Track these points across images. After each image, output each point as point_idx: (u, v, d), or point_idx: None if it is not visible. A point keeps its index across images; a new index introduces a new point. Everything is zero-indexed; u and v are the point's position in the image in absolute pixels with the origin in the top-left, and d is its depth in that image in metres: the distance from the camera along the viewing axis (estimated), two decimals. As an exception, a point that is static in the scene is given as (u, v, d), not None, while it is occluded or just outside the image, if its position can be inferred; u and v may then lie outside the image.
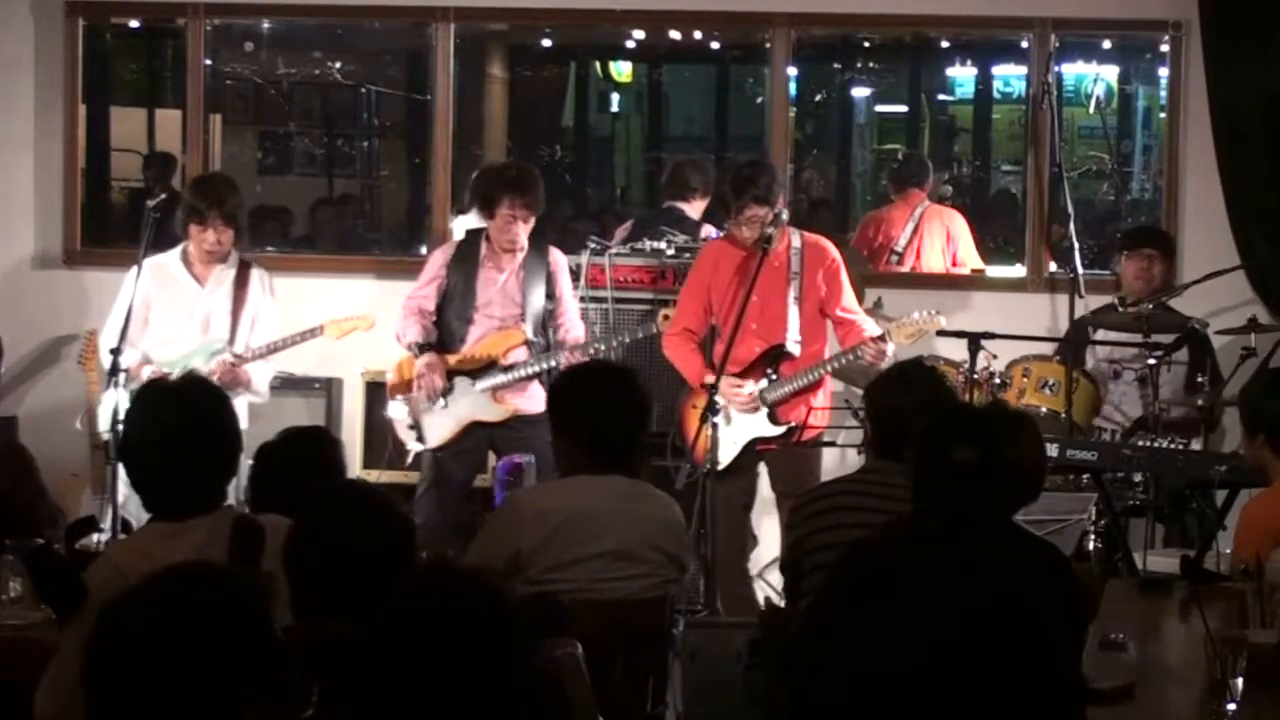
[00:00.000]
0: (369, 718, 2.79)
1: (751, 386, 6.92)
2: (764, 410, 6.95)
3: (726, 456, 6.88)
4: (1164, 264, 7.65)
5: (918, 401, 4.92)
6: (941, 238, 8.89)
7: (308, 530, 3.71)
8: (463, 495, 7.35)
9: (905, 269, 8.78)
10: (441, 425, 7.23)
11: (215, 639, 2.64)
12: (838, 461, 7.26)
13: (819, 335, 7.04)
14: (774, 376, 6.96)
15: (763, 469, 7.11)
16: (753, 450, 6.99)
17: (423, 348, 7.22)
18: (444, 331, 7.30)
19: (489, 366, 7.21)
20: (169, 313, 7.32)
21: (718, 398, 6.62)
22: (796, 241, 7.02)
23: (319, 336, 7.33)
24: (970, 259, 8.89)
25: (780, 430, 6.94)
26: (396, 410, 7.28)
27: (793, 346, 6.95)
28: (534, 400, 7.22)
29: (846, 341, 6.99)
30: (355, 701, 2.79)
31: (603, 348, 7.21)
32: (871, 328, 6.98)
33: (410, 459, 7.35)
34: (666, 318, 7.22)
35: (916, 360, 5.73)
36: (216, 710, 2.62)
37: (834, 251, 7.12)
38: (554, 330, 7.32)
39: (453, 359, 7.23)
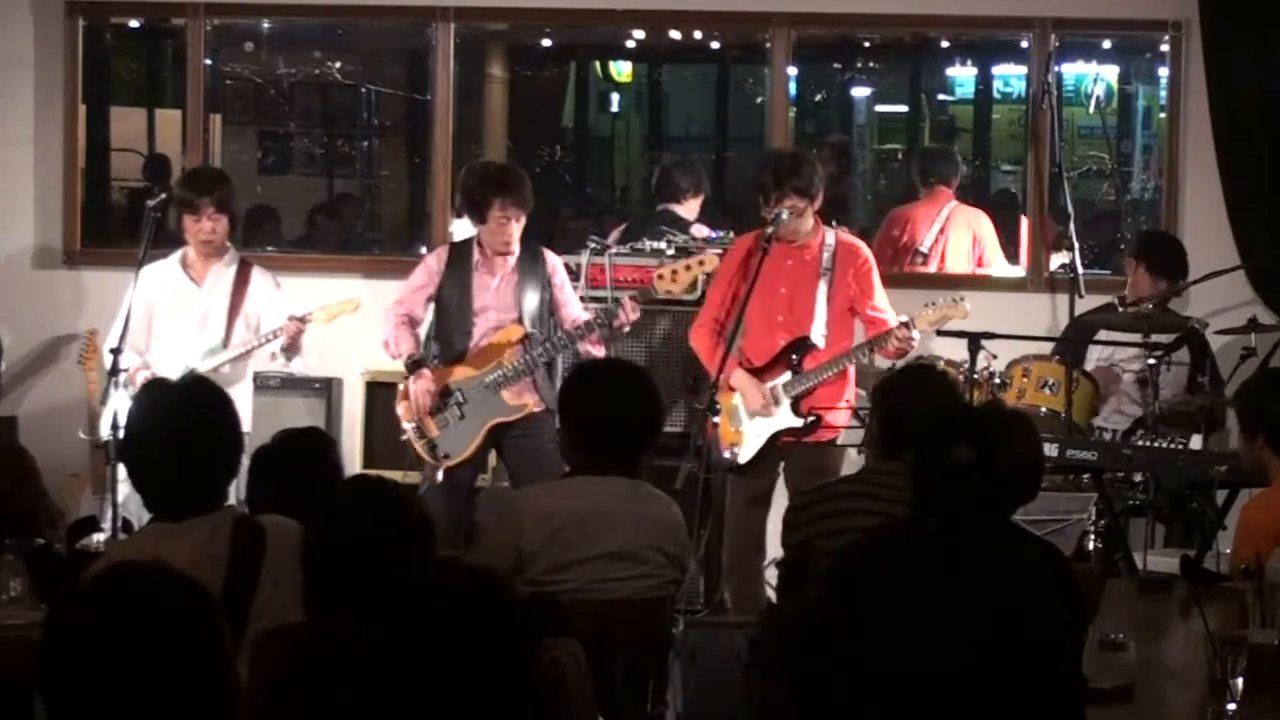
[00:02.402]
0: (374, 715, 2.79)
1: (765, 388, 6.91)
2: (786, 402, 6.95)
3: (750, 450, 6.91)
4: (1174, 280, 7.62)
5: (929, 403, 4.92)
6: (968, 239, 8.83)
7: (328, 524, 3.72)
8: (466, 495, 7.35)
9: (930, 269, 8.74)
10: (463, 437, 7.20)
11: (160, 641, 2.63)
12: (842, 463, 7.24)
13: (847, 334, 7.04)
14: (797, 369, 6.96)
15: (782, 467, 7.10)
16: (775, 446, 6.97)
17: (417, 363, 7.20)
18: (444, 345, 7.30)
19: (495, 368, 7.20)
20: (170, 318, 7.34)
21: (735, 399, 6.64)
22: (830, 239, 7.03)
23: (309, 323, 7.31)
24: (996, 262, 8.82)
25: (803, 421, 6.94)
26: (412, 430, 7.24)
27: (818, 339, 6.95)
28: (541, 395, 7.24)
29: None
30: (361, 698, 2.80)
31: (605, 318, 7.18)
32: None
33: (440, 473, 7.31)
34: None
35: (929, 363, 5.73)
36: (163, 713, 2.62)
37: (867, 251, 7.16)
38: (559, 324, 7.31)
39: (459, 370, 7.21)
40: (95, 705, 2.61)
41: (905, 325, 6.87)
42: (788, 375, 6.96)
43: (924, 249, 8.76)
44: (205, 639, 2.66)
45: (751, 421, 6.90)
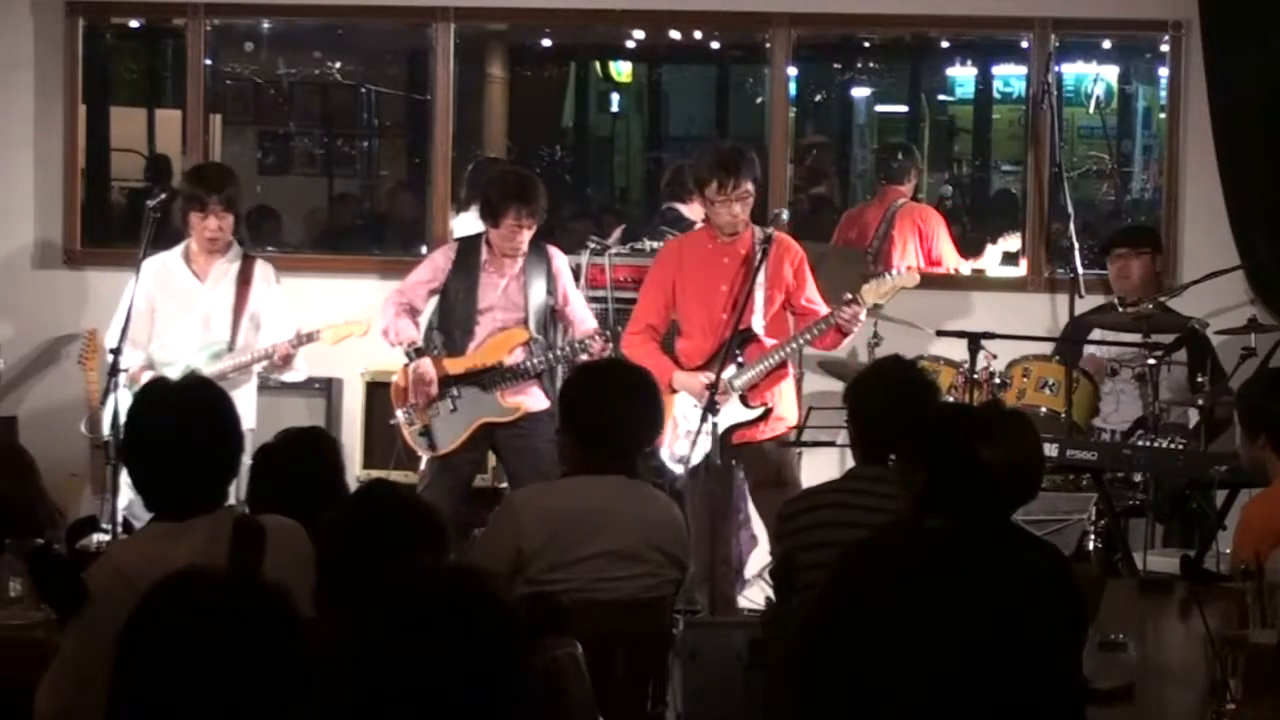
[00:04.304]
0: (369, 715, 2.79)
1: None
2: (735, 396, 6.92)
3: (702, 450, 6.80)
4: (1143, 259, 7.62)
5: (900, 400, 4.90)
6: (915, 237, 8.84)
7: (344, 524, 3.73)
8: (463, 495, 7.35)
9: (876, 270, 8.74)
10: (452, 430, 7.21)
11: (255, 649, 2.64)
12: (838, 463, 7.24)
13: (783, 327, 7.01)
14: (741, 361, 6.94)
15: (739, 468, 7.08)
16: (730, 445, 6.95)
17: (418, 351, 7.22)
18: (447, 338, 7.31)
19: (494, 368, 7.21)
20: (171, 312, 7.32)
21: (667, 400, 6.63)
22: (759, 233, 7.02)
23: (315, 342, 7.31)
24: (949, 257, 8.85)
25: (755, 413, 6.91)
26: (404, 417, 7.26)
27: (759, 330, 6.93)
28: (538, 399, 7.22)
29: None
30: (354, 699, 2.80)
31: (608, 334, 7.20)
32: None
33: (424, 463, 7.34)
34: None
35: (894, 357, 5.69)
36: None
37: (797, 246, 7.13)
38: (565, 328, 7.31)
39: (457, 364, 7.23)
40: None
41: (849, 302, 6.85)
42: (732, 369, 6.92)
43: (871, 249, 8.79)
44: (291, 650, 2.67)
45: (701, 421, 6.81)
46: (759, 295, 6.91)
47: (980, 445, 3.76)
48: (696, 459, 6.81)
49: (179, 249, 7.37)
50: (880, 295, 6.91)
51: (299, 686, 2.66)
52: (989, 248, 9.10)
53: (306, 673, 2.69)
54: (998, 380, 7.16)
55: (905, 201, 8.96)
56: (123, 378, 6.87)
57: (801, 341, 6.94)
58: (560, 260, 7.36)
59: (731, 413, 6.91)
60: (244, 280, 7.34)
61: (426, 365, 7.19)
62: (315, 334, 7.28)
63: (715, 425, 6.61)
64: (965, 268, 8.88)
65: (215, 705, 2.59)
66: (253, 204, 9.92)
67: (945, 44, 10.58)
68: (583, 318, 7.32)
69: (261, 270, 7.40)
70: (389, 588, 2.87)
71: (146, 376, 6.97)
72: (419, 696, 2.75)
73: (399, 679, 2.75)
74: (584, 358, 7.09)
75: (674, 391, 6.90)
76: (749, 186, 6.91)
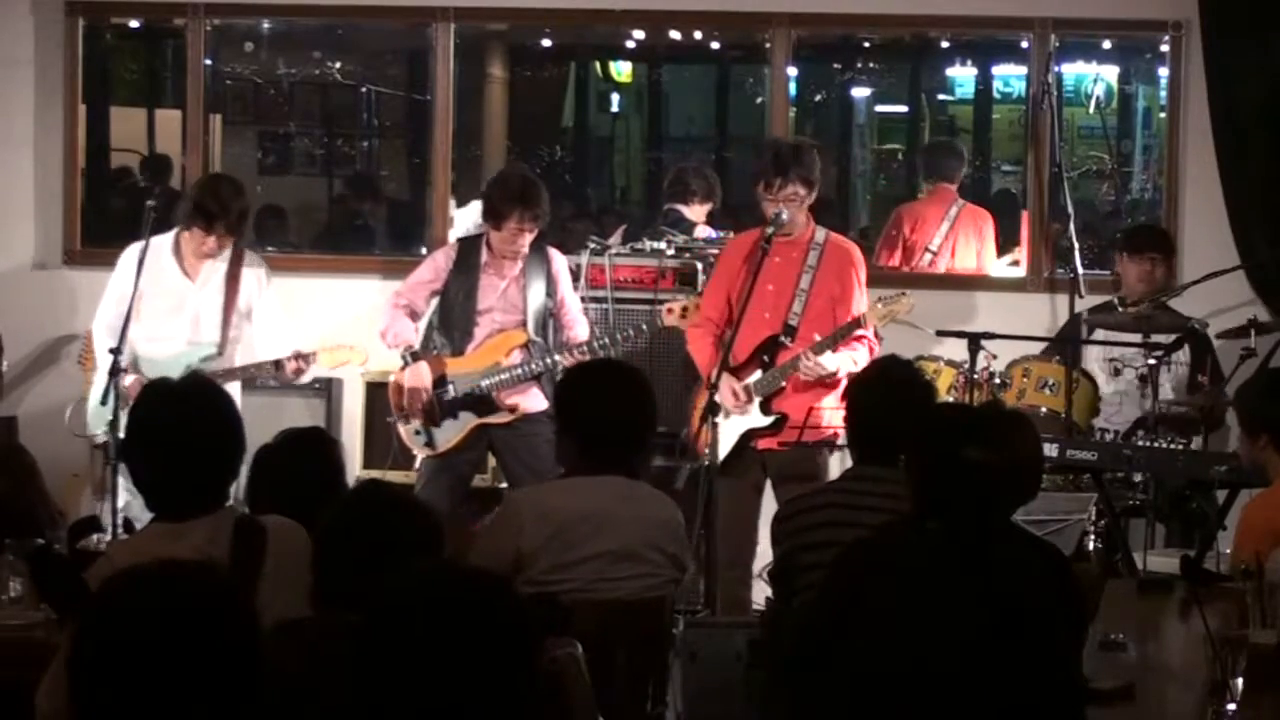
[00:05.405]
0: (371, 715, 2.79)
1: (739, 385, 6.89)
2: (756, 401, 6.92)
3: (722, 450, 6.82)
4: (1166, 266, 7.66)
5: (899, 399, 4.91)
6: (976, 239, 8.85)
7: (341, 524, 3.74)
8: (461, 495, 7.35)
9: (940, 270, 8.75)
10: (448, 429, 7.22)
11: (197, 637, 2.64)
12: (838, 464, 7.23)
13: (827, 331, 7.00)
14: (768, 368, 6.94)
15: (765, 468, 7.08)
16: (751, 447, 6.95)
17: (414, 356, 7.21)
18: (448, 341, 7.30)
19: (492, 369, 7.21)
20: (157, 305, 7.22)
21: (717, 397, 6.61)
22: (820, 236, 7.00)
23: (312, 364, 7.29)
24: (991, 261, 8.86)
25: (770, 420, 6.91)
26: (398, 417, 7.26)
27: (789, 336, 6.93)
28: (536, 400, 7.22)
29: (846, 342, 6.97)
30: (358, 699, 2.80)
31: (606, 341, 7.21)
32: None
33: (419, 462, 7.35)
34: (671, 310, 7.21)
35: (892, 356, 5.68)
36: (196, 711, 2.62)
37: (858, 255, 7.11)
38: (557, 331, 7.32)
39: (456, 363, 7.23)
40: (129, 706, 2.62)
41: (854, 322, 6.82)
42: (758, 374, 6.93)
43: (933, 247, 8.78)
44: (235, 628, 2.67)
45: (726, 421, 6.83)
46: (799, 300, 6.92)
47: (969, 447, 3.76)
48: (718, 458, 6.83)
49: (169, 237, 7.29)
50: (879, 319, 6.90)
51: (247, 674, 2.67)
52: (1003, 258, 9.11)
53: (255, 661, 2.69)
54: (998, 380, 7.15)
55: (965, 204, 8.96)
56: (102, 371, 6.84)
57: (817, 353, 6.92)
58: (560, 262, 7.36)
59: (751, 418, 6.92)
60: (233, 275, 7.31)
61: (420, 372, 7.19)
62: (311, 356, 7.24)
63: (715, 426, 6.61)
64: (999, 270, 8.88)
65: (166, 697, 2.60)
66: (254, 204, 9.93)
67: (945, 44, 10.58)
68: (574, 322, 7.33)
69: (250, 262, 7.36)
70: (399, 587, 2.87)
71: (129, 380, 6.90)
72: (427, 697, 2.75)
73: (406, 678, 2.75)
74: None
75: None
76: (797, 189, 6.85)
